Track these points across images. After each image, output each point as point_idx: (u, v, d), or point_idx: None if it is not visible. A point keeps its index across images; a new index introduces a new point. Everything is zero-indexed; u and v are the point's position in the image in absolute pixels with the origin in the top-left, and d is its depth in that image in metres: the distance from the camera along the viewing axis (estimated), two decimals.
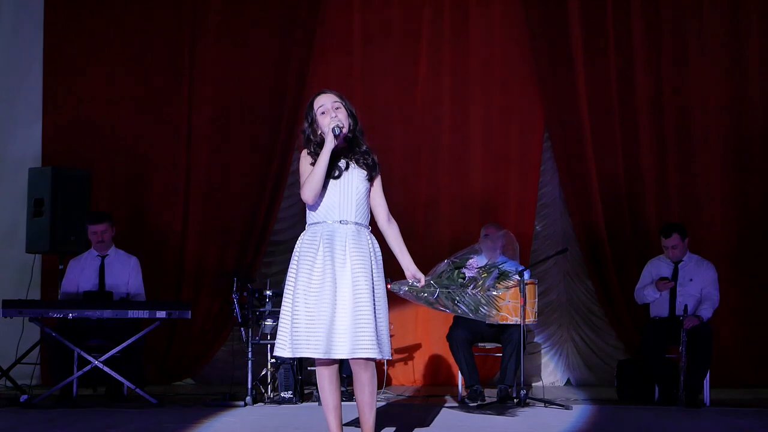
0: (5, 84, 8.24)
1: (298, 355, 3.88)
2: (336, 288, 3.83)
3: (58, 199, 6.83)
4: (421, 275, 4.06)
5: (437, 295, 4.10)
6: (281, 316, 3.94)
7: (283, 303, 3.96)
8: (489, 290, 4.16)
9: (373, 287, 3.87)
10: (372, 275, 3.88)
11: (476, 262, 4.21)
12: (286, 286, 3.96)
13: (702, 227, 7.91)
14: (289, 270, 3.98)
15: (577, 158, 8.11)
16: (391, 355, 4.02)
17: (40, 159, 8.00)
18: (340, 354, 3.79)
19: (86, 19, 8.31)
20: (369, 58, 8.43)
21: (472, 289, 4.11)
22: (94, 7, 8.33)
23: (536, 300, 6.29)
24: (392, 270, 4.13)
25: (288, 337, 3.87)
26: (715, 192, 8.04)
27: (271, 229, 8.33)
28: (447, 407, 6.01)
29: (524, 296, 5.97)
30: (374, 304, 3.85)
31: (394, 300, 4.08)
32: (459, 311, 4.18)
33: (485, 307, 4.14)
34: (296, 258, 3.95)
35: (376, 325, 3.82)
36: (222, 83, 8.41)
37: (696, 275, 6.62)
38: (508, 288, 4.30)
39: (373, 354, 3.81)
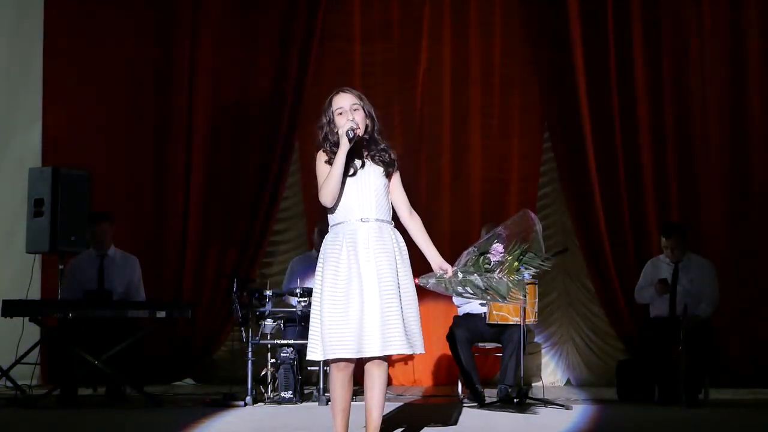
0: (5, 84, 8.23)
1: (330, 357, 3.86)
2: (362, 287, 3.83)
3: (58, 199, 6.82)
4: (447, 266, 4.05)
5: (466, 284, 4.09)
6: (311, 319, 3.94)
7: (312, 306, 3.96)
8: (518, 272, 4.14)
9: (398, 282, 3.86)
10: (397, 271, 3.88)
11: (501, 246, 4.19)
12: (314, 290, 3.95)
13: (702, 227, 7.91)
14: (316, 273, 3.97)
15: (577, 158, 8.11)
16: (424, 349, 3.99)
17: (40, 159, 7.99)
18: (372, 352, 3.79)
19: (86, 19, 8.29)
20: (369, 58, 8.44)
21: (499, 273, 4.11)
22: (94, 7, 8.31)
23: (536, 300, 6.28)
24: (416, 265, 4.12)
25: (319, 340, 3.86)
26: (714, 192, 8.03)
27: (271, 229, 8.33)
28: (447, 407, 6.01)
29: (524, 296, 5.95)
30: (401, 300, 3.84)
31: None
32: (488, 297, 4.19)
33: (514, 291, 4.13)
34: (321, 261, 3.94)
35: (403, 320, 3.82)
36: (222, 83, 8.42)
37: (696, 275, 6.62)
38: (538, 268, 4.24)
39: (403, 350, 3.81)
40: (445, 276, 4.05)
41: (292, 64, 8.26)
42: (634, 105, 8.11)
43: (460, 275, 4.08)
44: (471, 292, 4.12)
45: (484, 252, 4.13)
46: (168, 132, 8.35)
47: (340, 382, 3.92)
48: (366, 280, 3.83)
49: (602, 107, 8.10)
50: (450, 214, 8.25)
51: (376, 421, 3.91)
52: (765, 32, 8.11)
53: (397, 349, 3.79)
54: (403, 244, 3.97)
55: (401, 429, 4.79)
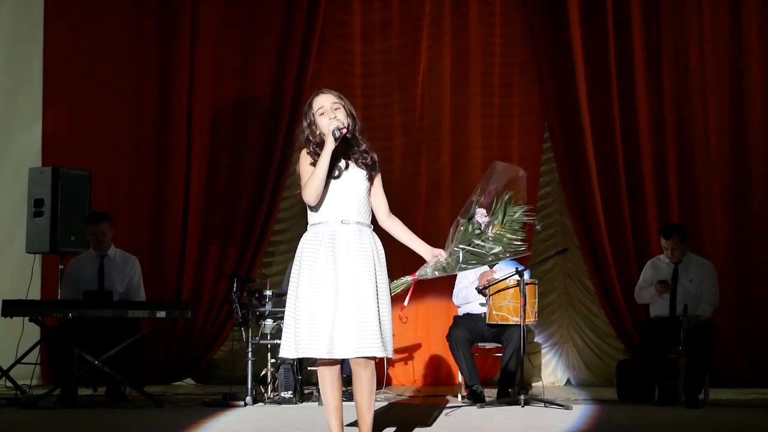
0: (5, 84, 8.24)
1: (301, 356, 3.87)
2: (338, 288, 3.82)
3: (58, 199, 6.84)
4: (439, 251, 4.06)
5: (465, 257, 4.08)
6: (285, 317, 3.94)
7: (286, 304, 3.95)
8: (509, 223, 4.15)
9: (376, 285, 3.86)
10: (375, 274, 3.88)
11: (483, 210, 4.18)
12: (289, 288, 3.94)
13: (702, 227, 7.92)
14: (292, 271, 3.97)
15: (577, 158, 8.11)
16: (393, 354, 4.02)
17: (40, 159, 8.00)
18: (343, 354, 3.79)
19: (86, 20, 8.30)
20: (369, 57, 8.45)
21: (492, 229, 4.11)
22: (94, 8, 8.33)
23: (536, 300, 6.29)
24: (396, 267, 4.12)
25: (292, 338, 3.87)
26: (714, 192, 8.04)
27: (271, 229, 8.34)
28: (447, 407, 6.01)
29: (524, 296, 5.96)
30: (378, 303, 3.84)
31: (393, 300, 4.07)
32: (491, 258, 4.16)
33: (514, 240, 4.13)
34: (298, 259, 3.94)
35: (380, 323, 3.81)
36: (222, 83, 8.43)
37: (696, 275, 6.61)
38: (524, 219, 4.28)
39: (378, 352, 3.79)
40: (441, 260, 4.06)
41: (292, 64, 8.27)
42: (634, 105, 8.11)
43: (457, 251, 4.07)
44: (474, 261, 4.10)
45: (471, 217, 4.14)
46: (168, 132, 8.36)
47: (328, 380, 3.93)
48: (342, 282, 3.82)
49: (602, 107, 8.10)
50: (450, 214, 8.23)
51: (368, 422, 3.91)
52: (765, 32, 8.11)
53: (373, 352, 3.78)
54: (381, 248, 3.97)
55: (399, 428, 4.79)
